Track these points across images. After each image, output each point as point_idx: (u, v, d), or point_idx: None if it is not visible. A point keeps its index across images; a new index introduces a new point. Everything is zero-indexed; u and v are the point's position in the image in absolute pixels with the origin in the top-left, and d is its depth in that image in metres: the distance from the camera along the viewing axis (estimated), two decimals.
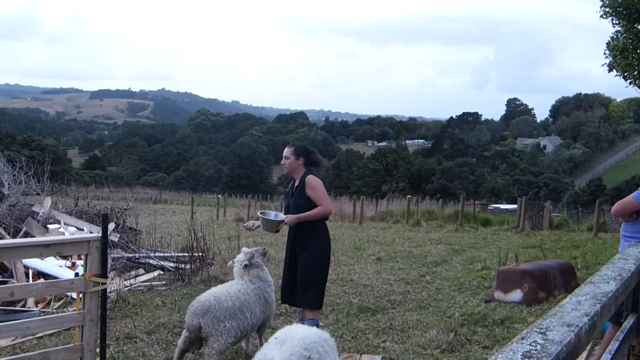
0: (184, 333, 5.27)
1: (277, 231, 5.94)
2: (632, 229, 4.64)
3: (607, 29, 12.21)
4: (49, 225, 10.38)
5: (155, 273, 10.13)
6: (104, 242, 4.60)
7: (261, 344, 5.81)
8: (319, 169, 5.98)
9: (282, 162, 5.98)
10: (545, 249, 13.34)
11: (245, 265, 5.61)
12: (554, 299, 8.12)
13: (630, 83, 11.84)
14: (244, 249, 5.87)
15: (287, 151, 5.90)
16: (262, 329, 5.79)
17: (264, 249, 5.99)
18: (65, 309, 7.59)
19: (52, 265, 8.67)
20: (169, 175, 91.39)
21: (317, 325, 5.69)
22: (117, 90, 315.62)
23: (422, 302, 8.53)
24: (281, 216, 5.82)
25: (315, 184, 5.69)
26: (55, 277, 7.89)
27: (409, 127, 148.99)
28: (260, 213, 6.01)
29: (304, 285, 5.66)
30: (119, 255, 10.06)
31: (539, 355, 1.45)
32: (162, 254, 11.10)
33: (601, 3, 11.87)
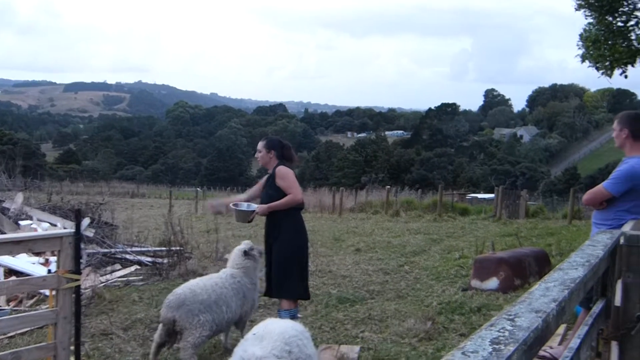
0: (160, 327, 5.26)
1: (250, 221, 5.97)
2: (602, 216, 4.73)
3: (582, 20, 12.41)
4: (20, 222, 10.26)
5: (132, 268, 10.05)
6: (78, 238, 4.55)
7: (226, 340, 5.85)
8: (292, 164, 6.00)
9: (255, 155, 6.07)
10: (521, 237, 13.51)
11: (245, 252, 5.65)
12: (529, 286, 8.20)
13: (602, 74, 12.01)
14: (248, 242, 5.94)
15: (259, 144, 5.97)
16: (240, 324, 5.77)
17: (262, 252, 5.99)
18: (38, 307, 7.49)
19: (24, 262, 8.54)
20: (147, 169, 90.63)
21: (295, 317, 5.72)
22: (92, 82, 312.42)
23: (401, 292, 8.59)
24: (253, 206, 5.88)
25: (285, 174, 5.73)
26: (28, 275, 7.77)
27: (388, 118, 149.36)
28: (233, 205, 6.04)
29: (278, 275, 5.69)
30: (94, 251, 9.95)
31: (506, 342, 1.48)
32: (139, 249, 11.02)
33: None
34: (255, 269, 5.77)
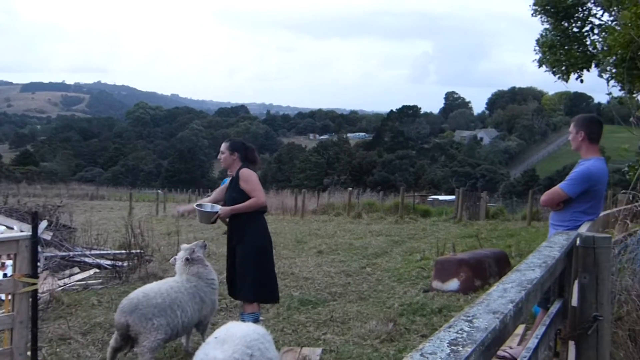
0: (115, 332, 5.19)
1: (213, 222, 5.95)
2: (559, 217, 4.81)
3: (540, 26, 12.64)
4: None
5: (91, 271, 9.89)
6: (34, 241, 4.47)
7: (187, 344, 5.79)
8: (255, 166, 5.99)
9: (218, 157, 6.04)
10: (482, 238, 13.69)
11: (187, 260, 5.56)
12: (489, 287, 8.31)
13: (558, 78, 12.25)
14: (183, 245, 5.81)
15: (223, 146, 5.94)
16: (201, 327, 5.70)
17: (204, 241, 5.95)
18: None
19: None
20: (106, 171, 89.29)
21: (258, 320, 5.70)
22: (50, 83, 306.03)
23: (363, 294, 8.63)
24: (217, 208, 5.84)
25: (248, 176, 5.71)
26: None
27: (350, 120, 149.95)
28: (197, 205, 6.02)
29: (241, 278, 5.66)
30: (52, 254, 9.76)
31: (464, 343, 1.49)
32: (98, 252, 10.85)
33: (532, 1, 12.26)
34: (206, 268, 5.69)
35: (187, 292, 5.38)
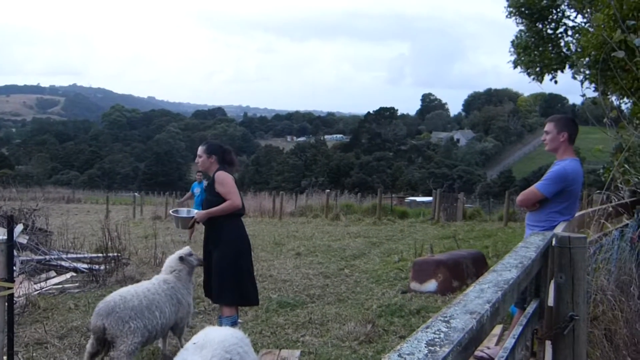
0: (91, 336, 5.13)
1: (191, 227, 5.96)
2: (535, 217, 4.85)
3: (514, 27, 12.77)
4: None
5: (68, 275, 9.79)
6: (10, 245, 4.42)
7: (181, 346, 5.73)
8: (233, 169, 5.96)
9: (196, 160, 6.01)
10: (459, 239, 13.78)
11: (181, 258, 5.57)
12: (466, 288, 8.36)
13: (533, 79, 12.39)
14: (188, 247, 5.88)
15: (200, 149, 5.91)
16: (177, 330, 5.66)
17: (200, 260, 5.91)
18: None
19: None
20: (83, 174, 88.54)
21: (236, 323, 5.67)
22: (25, 85, 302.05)
23: (341, 295, 8.63)
24: (193, 212, 5.90)
25: (223, 179, 5.68)
26: None
27: (327, 122, 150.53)
28: (173, 212, 6.03)
29: (218, 282, 5.63)
30: (28, 258, 9.64)
31: (442, 343, 1.49)
32: (75, 255, 10.73)
33: (506, 3, 12.38)
34: (188, 274, 5.68)
35: (164, 293, 5.34)
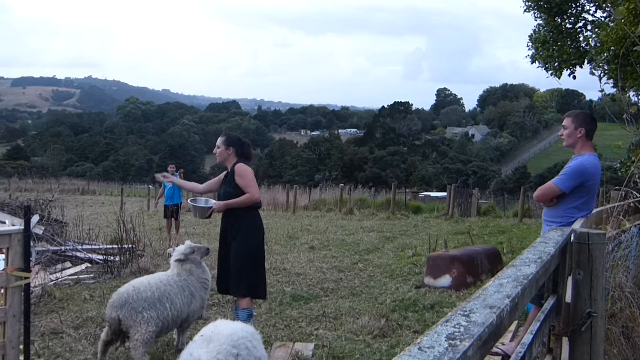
0: (106, 326, 5.18)
1: (208, 217, 5.94)
2: (552, 213, 4.81)
3: (532, 21, 12.63)
4: None
5: (83, 266, 9.87)
6: (27, 235, 4.44)
7: (178, 341, 5.73)
8: (249, 162, 5.95)
9: (214, 151, 5.99)
10: (473, 235, 13.72)
11: (179, 261, 5.54)
12: (481, 283, 8.34)
13: (550, 74, 12.24)
14: (188, 242, 5.78)
15: (219, 140, 5.89)
16: (185, 324, 5.64)
17: (208, 248, 5.85)
18: None
19: None
20: (97, 166, 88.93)
21: (252, 315, 5.68)
22: (41, 77, 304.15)
23: (355, 289, 8.63)
24: (211, 202, 5.82)
25: (243, 171, 5.67)
26: None
27: (341, 116, 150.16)
28: (191, 200, 6.02)
29: (235, 273, 5.61)
30: (43, 249, 9.73)
31: (462, 337, 1.48)
32: (90, 247, 10.82)
33: None
34: (199, 267, 5.66)
35: (176, 285, 5.37)
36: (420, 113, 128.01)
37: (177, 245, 6.08)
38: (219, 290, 6.00)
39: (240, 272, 5.60)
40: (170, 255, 5.75)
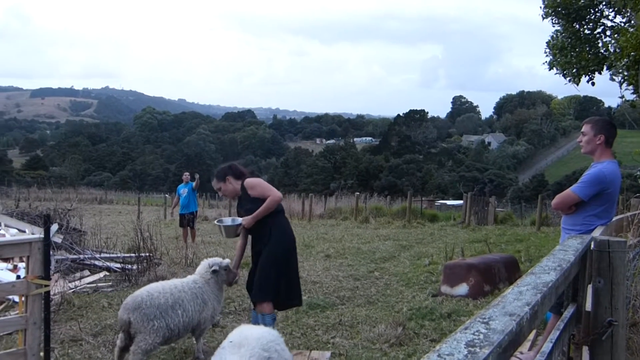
0: (120, 330, 5.23)
1: (238, 235, 5.86)
2: (571, 221, 4.76)
3: (550, 28, 12.56)
4: None
5: (101, 274, 9.93)
6: (47, 244, 4.48)
7: (198, 349, 5.73)
8: (250, 176, 5.91)
9: (221, 194, 6.04)
10: (490, 243, 13.63)
11: (214, 271, 5.59)
12: (498, 292, 8.28)
13: (569, 80, 12.18)
14: (228, 261, 5.85)
15: (214, 184, 5.93)
16: (197, 331, 5.64)
17: (236, 276, 5.94)
18: (7, 313, 7.36)
19: None
20: (115, 175, 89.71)
21: (275, 320, 5.66)
22: (59, 88, 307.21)
23: (371, 298, 8.60)
24: (238, 220, 5.75)
25: (252, 183, 5.69)
26: None
27: (356, 124, 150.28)
28: (217, 221, 5.99)
29: (264, 278, 5.54)
30: (63, 257, 9.81)
31: (481, 344, 1.46)
32: (108, 255, 10.89)
33: (542, 4, 12.19)
34: (217, 282, 5.69)
35: (190, 291, 5.41)
36: (436, 121, 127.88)
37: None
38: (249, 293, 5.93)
39: (268, 276, 5.53)
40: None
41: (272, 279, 5.54)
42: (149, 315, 5.02)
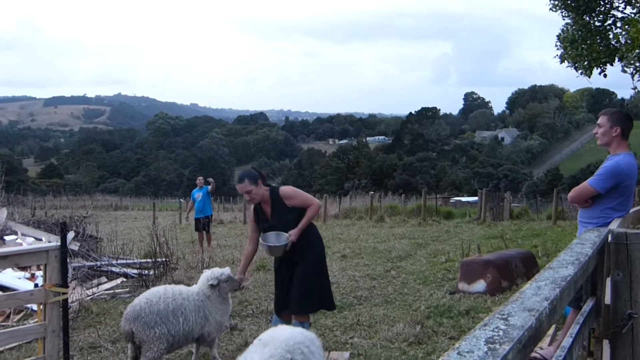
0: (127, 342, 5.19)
1: (287, 251, 5.44)
2: (588, 214, 4.72)
3: (559, 21, 12.49)
4: (5, 237, 10.15)
5: (118, 280, 9.99)
6: (63, 251, 4.51)
7: (214, 356, 5.69)
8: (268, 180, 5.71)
9: (246, 198, 5.58)
10: (507, 239, 13.56)
11: (212, 285, 5.40)
12: (516, 288, 8.23)
13: (580, 73, 12.09)
14: (228, 270, 5.60)
15: (243, 186, 5.45)
16: (205, 343, 5.55)
17: (241, 284, 5.73)
18: (25, 322, 7.42)
19: (10, 277, 8.47)
20: (129, 181, 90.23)
21: (309, 323, 5.57)
22: (72, 96, 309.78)
23: (388, 297, 8.58)
24: (284, 235, 5.40)
25: (290, 193, 5.48)
26: (14, 290, 7.69)
27: (369, 123, 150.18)
28: (262, 239, 5.50)
29: (307, 290, 5.39)
30: (80, 264, 9.89)
31: (501, 341, 1.46)
32: (124, 261, 10.95)
33: None
34: (220, 295, 5.49)
35: (193, 302, 5.28)
36: (449, 118, 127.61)
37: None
38: (276, 311, 5.72)
39: (310, 289, 5.40)
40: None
41: (314, 291, 5.42)
42: (149, 323, 4.94)
